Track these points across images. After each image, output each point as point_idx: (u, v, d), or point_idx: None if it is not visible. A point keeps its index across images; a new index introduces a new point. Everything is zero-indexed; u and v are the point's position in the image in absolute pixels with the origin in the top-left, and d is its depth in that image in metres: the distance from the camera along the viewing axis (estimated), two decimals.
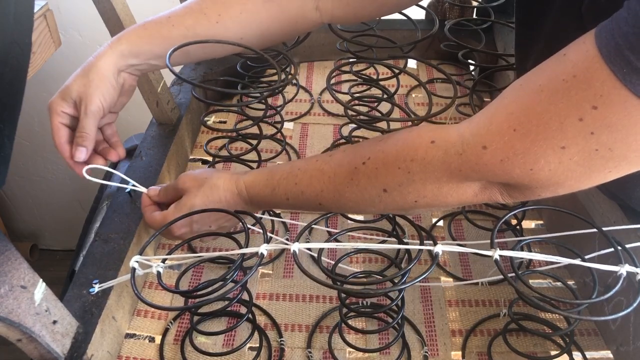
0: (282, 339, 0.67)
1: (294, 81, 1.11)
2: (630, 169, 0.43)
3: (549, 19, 0.59)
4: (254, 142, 0.85)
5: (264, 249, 0.53)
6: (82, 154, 0.65)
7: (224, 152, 0.91)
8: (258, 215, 0.71)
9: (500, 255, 0.50)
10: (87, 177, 0.65)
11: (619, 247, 0.53)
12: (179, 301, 0.72)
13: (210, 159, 0.89)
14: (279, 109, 0.92)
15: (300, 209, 0.71)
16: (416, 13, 0.90)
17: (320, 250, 0.57)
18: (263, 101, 0.82)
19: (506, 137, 0.44)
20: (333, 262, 0.66)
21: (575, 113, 0.41)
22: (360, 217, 0.83)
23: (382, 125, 0.87)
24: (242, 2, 0.67)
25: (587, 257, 0.55)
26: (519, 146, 0.44)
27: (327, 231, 0.81)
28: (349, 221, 0.81)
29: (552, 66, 0.43)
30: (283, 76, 0.70)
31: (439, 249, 0.51)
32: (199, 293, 0.57)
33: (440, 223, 0.84)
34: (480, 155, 0.46)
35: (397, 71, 0.81)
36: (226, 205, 0.63)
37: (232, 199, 0.63)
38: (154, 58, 0.67)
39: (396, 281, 0.56)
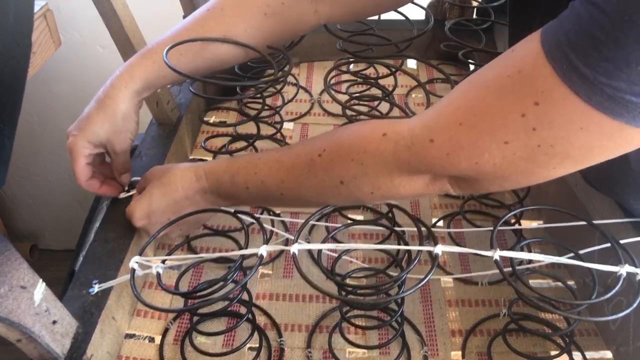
0: (282, 339, 0.67)
1: (294, 81, 1.11)
2: (575, 166, 0.44)
3: (537, 22, 0.60)
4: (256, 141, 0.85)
5: (263, 250, 0.53)
6: (126, 178, 0.74)
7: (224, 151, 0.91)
8: (257, 215, 0.71)
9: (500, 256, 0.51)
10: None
11: (619, 247, 0.53)
12: (179, 300, 0.72)
13: (209, 158, 0.89)
14: (278, 109, 0.92)
15: (261, 201, 0.70)
16: (417, 13, 0.90)
17: (320, 252, 0.57)
18: (261, 96, 0.82)
19: (452, 130, 0.45)
20: (333, 261, 0.66)
21: (518, 109, 0.42)
22: (360, 217, 0.83)
23: None
24: (245, 20, 0.68)
25: (583, 252, 0.55)
26: (464, 140, 0.45)
27: (326, 227, 0.81)
28: (348, 221, 0.81)
29: (500, 62, 0.44)
30: (280, 74, 0.70)
31: (439, 249, 0.51)
32: (198, 294, 0.57)
33: (440, 223, 0.84)
34: (427, 148, 0.47)
35: (393, 69, 0.81)
36: (183, 194, 0.63)
37: (190, 186, 0.63)
38: (165, 85, 0.73)
39: (395, 288, 0.56)
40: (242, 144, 0.89)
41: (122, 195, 0.74)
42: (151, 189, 0.65)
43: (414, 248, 0.52)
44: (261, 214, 0.81)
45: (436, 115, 0.48)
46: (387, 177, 0.51)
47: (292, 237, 0.76)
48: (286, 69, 0.79)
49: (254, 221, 0.60)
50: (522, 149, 0.43)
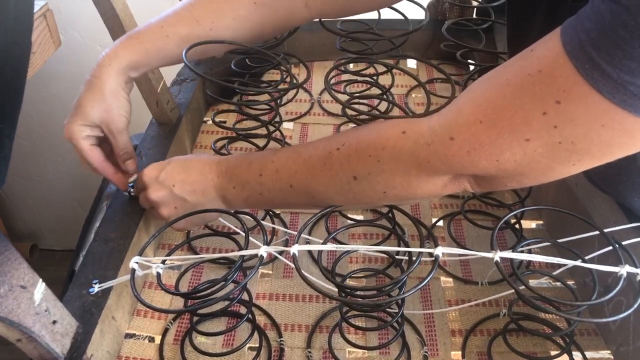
0: (281, 339, 0.67)
1: (295, 81, 1.11)
2: (593, 162, 0.44)
3: (537, 23, 0.60)
4: (256, 141, 0.85)
5: (263, 251, 0.53)
6: (132, 165, 0.72)
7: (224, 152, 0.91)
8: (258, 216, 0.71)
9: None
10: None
11: (619, 248, 0.53)
12: (180, 300, 0.72)
13: None
14: (276, 108, 0.92)
15: (267, 195, 0.62)
16: (418, 13, 0.90)
17: (320, 252, 0.56)
18: (271, 99, 0.83)
19: (473, 128, 0.45)
20: (333, 262, 0.66)
21: (539, 107, 0.42)
22: (360, 217, 0.83)
23: None
24: (234, 9, 0.68)
25: (586, 257, 0.55)
26: (485, 138, 0.45)
27: (326, 228, 0.81)
28: (348, 221, 0.81)
29: (520, 61, 0.45)
30: (289, 79, 0.71)
31: (439, 251, 0.50)
32: (198, 295, 0.57)
33: (440, 223, 0.84)
34: (447, 146, 0.47)
35: (390, 67, 0.81)
36: (200, 168, 0.63)
37: (209, 165, 0.63)
38: (151, 68, 0.72)
39: (396, 290, 0.56)
40: (242, 144, 0.89)
41: (131, 191, 0.73)
42: (170, 160, 0.66)
43: (414, 250, 0.52)
44: (263, 219, 0.81)
45: (456, 113, 0.48)
46: (404, 177, 0.51)
47: (293, 236, 0.76)
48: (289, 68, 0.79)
49: (254, 222, 0.60)
50: (543, 146, 0.43)
